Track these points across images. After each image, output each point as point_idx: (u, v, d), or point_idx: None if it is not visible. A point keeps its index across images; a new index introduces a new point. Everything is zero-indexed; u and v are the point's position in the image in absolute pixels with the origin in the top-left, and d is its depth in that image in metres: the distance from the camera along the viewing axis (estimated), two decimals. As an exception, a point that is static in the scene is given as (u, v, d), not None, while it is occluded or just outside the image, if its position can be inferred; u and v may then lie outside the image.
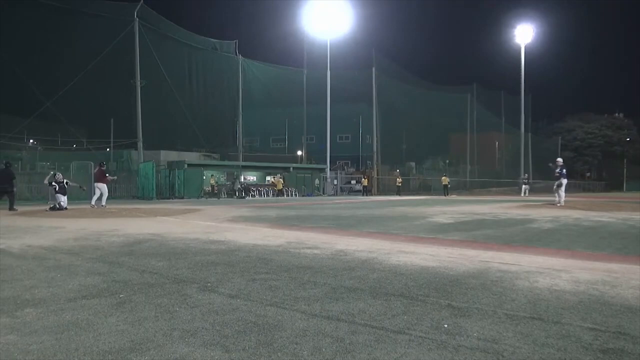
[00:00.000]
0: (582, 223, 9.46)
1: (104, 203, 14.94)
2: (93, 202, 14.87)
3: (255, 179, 32.24)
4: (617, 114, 76.57)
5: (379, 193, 36.92)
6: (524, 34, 49.29)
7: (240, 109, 35.93)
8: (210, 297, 3.35)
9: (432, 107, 45.92)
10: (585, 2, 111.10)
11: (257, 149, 41.54)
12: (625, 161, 65.65)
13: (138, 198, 24.36)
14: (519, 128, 49.90)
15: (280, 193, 30.91)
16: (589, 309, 3.00)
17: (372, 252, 5.42)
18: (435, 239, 6.94)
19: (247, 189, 29.22)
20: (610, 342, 2.41)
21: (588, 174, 69.87)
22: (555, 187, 16.62)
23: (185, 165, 27.53)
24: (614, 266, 4.54)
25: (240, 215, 12.16)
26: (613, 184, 63.39)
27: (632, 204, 16.72)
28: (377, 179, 39.26)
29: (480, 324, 2.71)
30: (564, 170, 16.29)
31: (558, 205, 15.61)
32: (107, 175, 15.80)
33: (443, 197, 30.79)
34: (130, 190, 25.76)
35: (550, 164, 16.84)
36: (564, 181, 16.17)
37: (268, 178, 32.92)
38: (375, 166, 39.57)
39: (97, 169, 15.95)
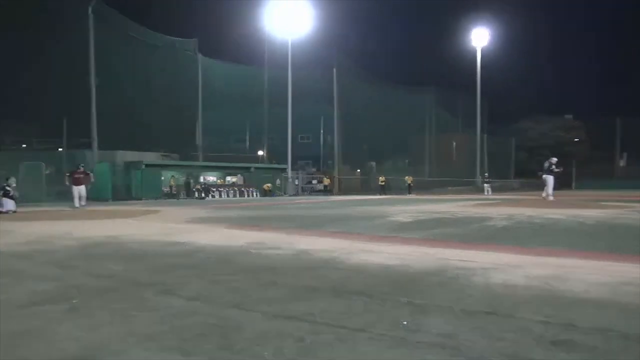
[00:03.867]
0: (535, 220, 9.82)
1: (84, 203, 15.50)
2: (77, 204, 15.25)
3: (215, 179, 31.87)
4: (566, 116, 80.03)
5: (340, 193, 37.17)
6: (480, 37, 50.85)
7: (200, 108, 35.37)
8: (170, 300, 3.29)
9: (392, 107, 46.58)
10: (540, 8, 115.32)
11: (217, 148, 40.97)
12: (574, 161, 68.68)
13: (93, 200, 23.59)
14: (475, 128, 51.43)
15: (266, 193, 31.17)
16: (541, 303, 3.12)
17: (333, 252, 5.45)
18: (396, 237, 7.05)
19: (207, 190, 28.82)
20: (561, 334, 2.51)
21: (540, 173, 72.67)
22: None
23: (143, 166, 26.85)
24: (565, 261, 4.74)
25: (200, 216, 11.98)
26: (563, 183, 66.21)
27: (580, 201, 17.50)
28: (338, 178, 39.51)
29: (439, 320, 2.77)
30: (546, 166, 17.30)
31: (549, 198, 16.66)
32: (89, 173, 16.21)
33: (404, 197, 31.33)
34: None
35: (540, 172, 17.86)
36: (546, 177, 17.14)
37: (229, 178, 32.58)
38: (336, 166, 39.82)
39: (78, 173, 15.79)
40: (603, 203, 16.68)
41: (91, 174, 16.64)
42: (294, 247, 5.92)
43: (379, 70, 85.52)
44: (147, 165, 27.12)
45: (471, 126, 53.54)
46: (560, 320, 2.74)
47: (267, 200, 26.32)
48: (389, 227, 8.79)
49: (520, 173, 69.62)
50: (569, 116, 79.72)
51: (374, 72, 48.66)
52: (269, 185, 32.44)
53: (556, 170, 17.20)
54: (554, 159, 17.74)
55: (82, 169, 16.02)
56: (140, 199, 24.83)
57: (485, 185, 36.50)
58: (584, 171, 68.20)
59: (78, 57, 26.20)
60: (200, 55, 35.44)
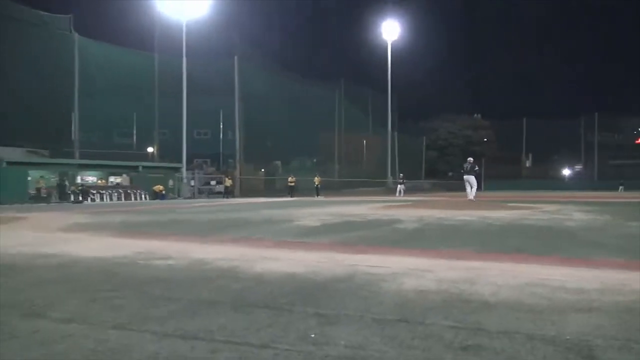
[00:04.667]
0: (445, 223, 10.43)
1: None
2: None
3: (95, 180, 30.16)
4: (475, 115, 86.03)
5: (243, 195, 36.85)
6: (391, 30, 53.01)
7: (76, 97, 33.20)
8: (36, 323, 3.03)
9: (300, 102, 47.09)
10: (454, 5, 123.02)
11: (98, 144, 38.74)
12: (483, 161, 74.04)
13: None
14: (386, 127, 53.54)
15: (157, 195, 30.12)
16: (451, 307, 3.31)
17: (233, 260, 5.38)
18: (303, 243, 7.11)
19: (85, 192, 27.19)
20: (470, 339, 2.68)
21: (450, 174, 77.33)
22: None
23: (4, 164, 24.70)
24: (475, 264, 5.08)
25: (77, 222, 11.25)
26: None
27: (489, 202, 18.89)
28: (240, 179, 39.13)
29: (348, 330, 2.83)
30: (466, 167, 18.73)
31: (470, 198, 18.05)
32: None
33: (312, 199, 31.76)
34: None
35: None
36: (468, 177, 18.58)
37: (112, 179, 31.00)
38: (238, 165, 39.39)
39: None
40: (510, 204, 18.15)
41: None
42: (189, 256, 5.76)
43: (285, 61, 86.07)
44: (9, 164, 24.99)
45: (382, 124, 55.64)
46: (469, 325, 2.92)
47: (158, 203, 25.39)
48: (295, 231, 8.85)
49: (430, 173, 73.72)
50: (478, 115, 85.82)
51: (280, 62, 48.95)
52: (160, 186, 31.33)
53: (476, 170, 18.70)
54: (471, 159, 19.20)
55: None
56: (1, 204, 22.77)
57: (399, 186, 38.14)
58: (492, 172, 73.56)
59: None
60: (76, 35, 33.25)
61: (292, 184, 36.60)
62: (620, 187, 56.02)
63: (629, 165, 71.12)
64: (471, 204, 16.70)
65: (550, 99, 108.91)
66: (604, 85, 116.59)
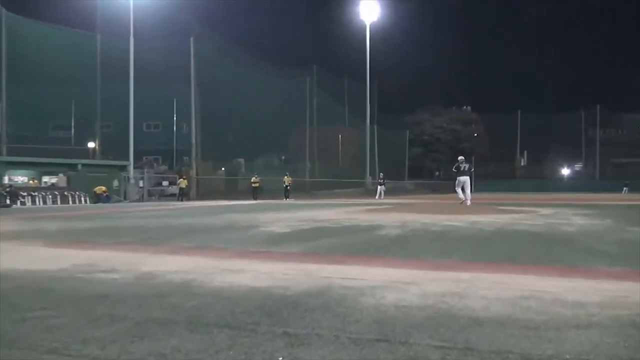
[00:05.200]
0: (431, 228, 10.55)
1: None
2: None
3: (26, 180, 29.57)
4: (465, 107, 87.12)
5: (200, 197, 36.55)
6: (370, 10, 53.19)
7: (3, 83, 32.43)
8: (-44, 348, 2.96)
9: (266, 92, 46.98)
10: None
11: (30, 138, 37.88)
12: (473, 159, 74.98)
13: None
14: (365, 120, 53.75)
15: (99, 198, 29.53)
16: (438, 325, 3.35)
17: (189, 273, 5.33)
18: (269, 252, 7.10)
19: (14, 194, 26.61)
20: (459, 360, 2.72)
21: (437, 173, 78.19)
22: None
23: None
24: (463, 275, 5.14)
25: (5, 230, 11.00)
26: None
27: (479, 206, 19.18)
28: (197, 179, 38.81)
29: (321, 352, 2.84)
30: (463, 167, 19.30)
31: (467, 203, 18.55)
32: None
33: (281, 201, 31.73)
34: None
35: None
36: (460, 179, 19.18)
37: (46, 179, 30.46)
38: (194, 163, 39.05)
39: None
40: (503, 207, 18.46)
41: None
42: (137, 268, 5.69)
43: (249, 45, 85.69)
44: None
45: (360, 116, 55.86)
46: (458, 344, 2.96)
47: (101, 207, 25.00)
48: (261, 239, 8.83)
49: (415, 172, 74.29)
50: (467, 108, 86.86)
51: (244, 46, 48.59)
52: (103, 188, 30.88)
53: (472, 170, 19.22)
54: (462, 158, 19.65)
55: None
56: None
57: (379, 187, 38.37)
58: (483, 171, 74.42)
59: None
60: (3, 11, 32.50)
61: (256, 184, 36.47)
62: (625, 189, 57.34)
63: (634, 164, 72.86)
64: (460, 208, 16.96)
65: (548, 91, 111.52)
66: (606, 77, 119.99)
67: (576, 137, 78.71)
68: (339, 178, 51.71)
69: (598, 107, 75.81)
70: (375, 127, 58.94)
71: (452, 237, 8.94)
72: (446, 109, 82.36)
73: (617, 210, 18.15)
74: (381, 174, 43.21)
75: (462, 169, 19.31)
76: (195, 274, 5.28)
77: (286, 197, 35.86)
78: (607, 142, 77.58)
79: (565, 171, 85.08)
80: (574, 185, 71.64)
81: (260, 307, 3.87)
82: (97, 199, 30.31)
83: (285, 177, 37.79)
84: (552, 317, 3.53)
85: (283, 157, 53.61)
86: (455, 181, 19.78)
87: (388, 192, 41.03)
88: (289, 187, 37.13)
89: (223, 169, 45.13)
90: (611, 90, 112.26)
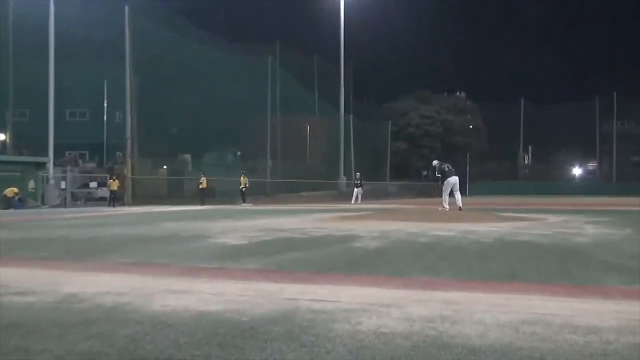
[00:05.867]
0: (418, 239, 10.63)
1: None
2: None
3: None
4: (458, 94, 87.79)
5: (137, 202, 36.17)
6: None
7: None
8: None
9: (220, 74, 46.63)
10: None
11: None
12: (468, 156, 75.48)
13: None
14: (338, 108, 53.76)
15: (9, 202, 29.31)
16: (425, 356, 3.36)
17: (123, 295, 5.27)
18: (222, 269, 7.06)
19: None
20: (450, 398, 2.74)
21: (425, 173, 78.63)
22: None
23: None
24: (455, 295, 5.19)
25: None
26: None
27: (475, 212, 19.39)
28: (133, 179, 38.38)
29: (284, 390, 2.83)
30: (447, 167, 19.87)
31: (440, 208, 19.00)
32: None
33: (236, 207, 31.61)
34: None
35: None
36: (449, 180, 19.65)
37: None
38: (129, 160, 38.61)
39: None
40: (504, 214, 18.70)
41: None
42: (59, 289, 5.61)
43: (199, 16, 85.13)
44: None
45: (333, 103, 55.86)
46: (445, 379, 2.98)
47: (13, 214, 24.56)
48: (212, 253, 8.78)
49: (398, 171, 74.51)
50: (462, 94, 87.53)
51: (192, 19, 48.27)
52: (16, 190, 30.35)
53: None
54: (436, 162, 20.23)
55: None
56: None
57: (356, 189, 38.45)
58: (480, 171, 74.95)
59: None
60: None
61: (203, 186, 36.24)
62: None
63: (657, 163, 73.97)
64: (452, 215, 17.13)
65: (556, 75, 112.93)
66: (624, 60, 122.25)
67: (589, 131, 79.10)
68: (307, 178, 51.59)
69: (615, 94, 76.31)
70: (351, 117, 58.97)
71: (442, 250, 9.02)
72: (436, 96, 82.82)
73: (637, 217, 18.50)
74: (358, 173, 43.26)
75: (446, 169, 19.72)
76: (130, 296, 5.22)
77: (243, 202, 35.72)
78: (626, 137, 77.60)
79: (577, 171, 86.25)
80: (586, 187, 72.41)
81: (210, 336, 3.84)
82: (7, 203, 29.76)
83: (241, 177, 37.59)
84: (562, 345, 3.57)
85: (239, 153, 53.34)
86: (440, 184, 20.10)
87: (366, 195, 41.12)
88: (244, 190, 36.92)
89: (165, 167, 44.71)
90: (630, 75, 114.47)
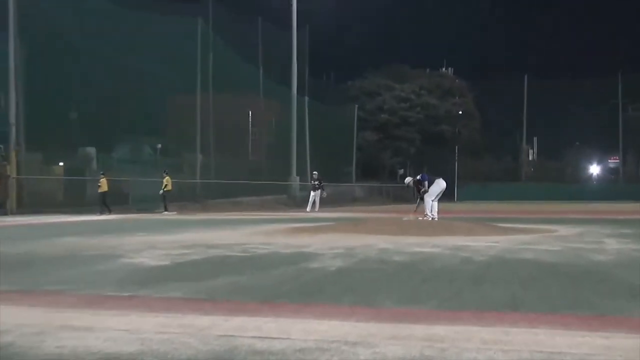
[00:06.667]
0: (393, 258, 10.66)
1: None
2: None
3: None
4: (444, 69, 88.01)
5: (23, 210, 35.61)
6: None
7: None
8: None
9: (134, 42, 45.98)
10: None
11: None
12: (457, 150, 75.93)
13: None
14: (290, 87, 53.58)
15: None
16: (401, 409, 3.38)
17: (5, 333, 5.18)
18: (136, 297, 7.00)
19: None
20: None
21: (401, 171, 78.93)
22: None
23: None
24: (440, 330, 5.21)
25: None
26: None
27: (466, 222, 19.56)
28: (18, 180, 37.76)
29: None
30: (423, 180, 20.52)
31: (421, 217, 19.54)
32: None
33: (155, 216, 31.36)
34: None
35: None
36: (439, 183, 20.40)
37: None
38: (12, 155, 37.97)
39: None
40: (502, 225, 18.89)
41: None
42: None
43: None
44: None
45: (282, 81, 55.69)
46: None
47: None
48: (123, 277, 8.70)
49: (367, 170, 74.50)
50: (448, 70, 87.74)
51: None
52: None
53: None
54: (403, 170, 20.96)
55: None
56: None
57: (313, 193, 38.38)
58: (473, 170, 75.15)
59: None
60: None
61: (103, 189, 35.79)
62: None
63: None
64: (437, 227, 17.23)
65: (567, 46, 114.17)
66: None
67: (609, 117, 79.00)
68: (250, 179, 51.34)
69: (643, 70, 76.74)
70: (306, 98, 58.91)
71: (425, 271, 9.06)
72: (416, 72, 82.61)
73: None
74: (315, 172, 43.11)
75: (426, 178, 20.35)
76: (14, 334, 5.14)
77: (165, 209, 35.42)
78: (656, 125, 78.02)
79: (594, 169, 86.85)
80: (607, 190, 72.68)
81: (120, 386, 3.81)
82: None
83: (164, 177, 37.22)
84: (575, 393, 3.62)
85: (160, 146, 52.74)
86: (420, 187, 20.46)
87: (327, 201, 41.16)
88: (165, 193, 36.53)
89: (62, 164, 44.03)
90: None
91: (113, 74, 44.45)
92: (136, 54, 45.99)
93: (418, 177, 21.17)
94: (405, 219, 19.29)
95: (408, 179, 21.22)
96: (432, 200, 20.02)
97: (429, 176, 20.66)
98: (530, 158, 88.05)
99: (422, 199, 20.82)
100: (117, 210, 34.87)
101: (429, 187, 20.15)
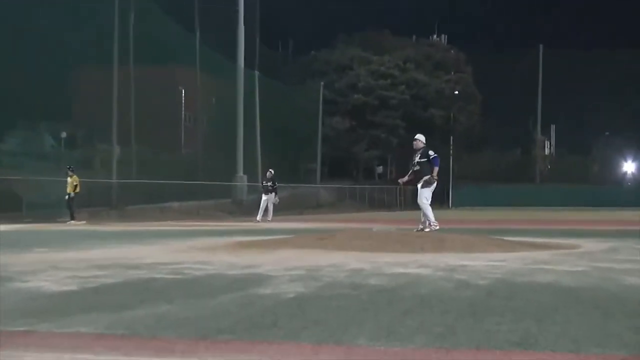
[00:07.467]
0: (369, 281, 10.69)
1: None
2: None
3: None
4: (435, 37, 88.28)
5: None
6: None
7: None
8: None
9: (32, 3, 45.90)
10: None
11: None
12: (452, 141, 76.05)
13: None
14: (235, 59, 53.56)
15: None
16: None
17: None
18: (33, 333, 6.95)
19: None
20: None
21: (380, 168, 79.11)
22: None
23: None
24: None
25: None
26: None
27: (465, 235, 19.65)
28: None
29: None
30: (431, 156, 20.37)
31: (427, 229, 19.74)
32: None
33: (59, 226, 31.22)
34: None
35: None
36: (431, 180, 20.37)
37: None
38: None
39: None
40: (509, 238, 19.02)
41: None
42: None
43: None
44: None
45: (225, 52, 55.68)
46: None
47: None
48: (15, 306, 8.65)
49: (336, 168, 74.55)
50: (441, 39, 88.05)
51: None
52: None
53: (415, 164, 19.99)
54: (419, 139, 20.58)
55: None
56: None
57: (265, 197, 38.48)
58: (472, 167, 75.52)
59: None
60: None
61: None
62: None
63: None
64: (425, 241, 17.28)
65: (595, 10, 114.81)
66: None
67: None
68: (182, 179, 51.24)
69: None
70: (256, 73, 58.93)
71: (409, 300, 9.07)
72: (399, 41, 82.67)
73: None
74: (270, 171, 43.10)
75: (415, 161, 20.26)
76: None
77: (71, 217, 35.30)
78: None
79: (629, 167, 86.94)
80: (643, 194, 73.30)
81: None
82: None
83: (69, 176, 37.05)
84: None
85: (64, 135, 52.49)
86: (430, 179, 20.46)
87: (283, 207, 41.24)
88: (72, 197, 36.41)
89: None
90: None
91: (5, 42, 44.15)
92: (33, 10, 45.81)
93: (432, 154, 20.78)
94: (375, 229, 19.27)
95: (419, 137, 20.71)
96: (426, 203, 20.03)
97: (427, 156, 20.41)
98: (547, 152, 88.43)
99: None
100: (7, 219, 34.62)
101: (424, 187, 20.14)
